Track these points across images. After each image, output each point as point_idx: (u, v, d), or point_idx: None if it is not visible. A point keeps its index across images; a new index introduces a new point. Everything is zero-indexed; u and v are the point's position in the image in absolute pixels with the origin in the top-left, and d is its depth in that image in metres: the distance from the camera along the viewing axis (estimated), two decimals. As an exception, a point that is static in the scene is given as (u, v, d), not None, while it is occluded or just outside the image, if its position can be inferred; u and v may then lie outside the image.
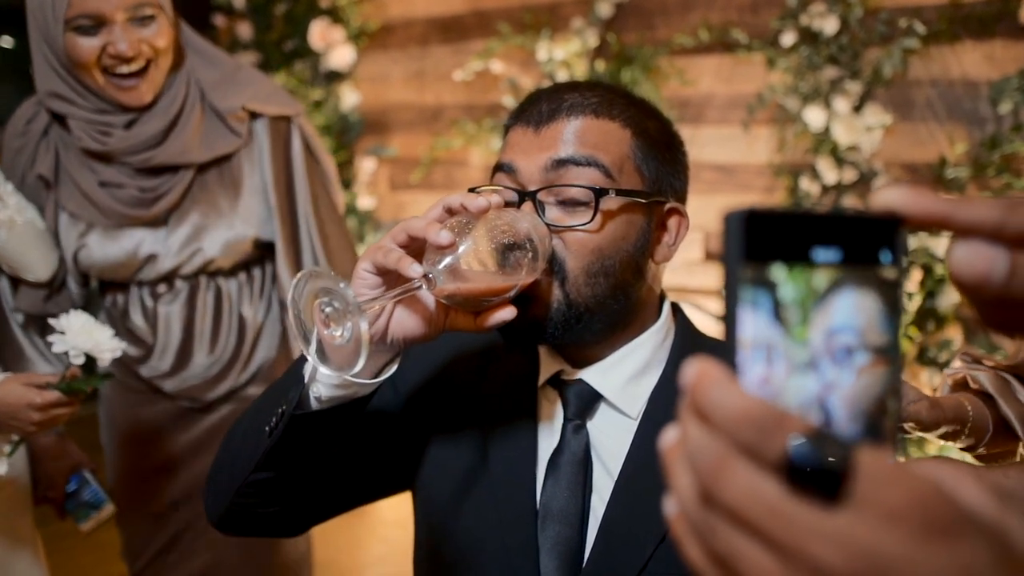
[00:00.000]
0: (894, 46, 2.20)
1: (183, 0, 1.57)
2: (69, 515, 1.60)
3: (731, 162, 2.52)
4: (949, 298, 2.12)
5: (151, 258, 1.55)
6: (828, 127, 2.31)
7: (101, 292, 1.66)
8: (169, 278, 1.59)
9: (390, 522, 2.99)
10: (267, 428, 0.81)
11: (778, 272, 0.33)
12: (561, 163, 0.82)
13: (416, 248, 0.74)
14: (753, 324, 0.33)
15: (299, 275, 0.68)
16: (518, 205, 0.82)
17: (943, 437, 1.06)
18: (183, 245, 1.56)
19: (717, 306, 2.49)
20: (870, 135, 2.27)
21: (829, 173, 2.32)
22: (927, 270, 2.14)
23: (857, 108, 2.29)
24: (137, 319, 1.60)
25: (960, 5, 2.11)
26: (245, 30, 3.38)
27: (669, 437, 0.35)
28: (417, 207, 3.27)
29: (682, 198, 0.91)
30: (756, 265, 0.33)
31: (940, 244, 2.10)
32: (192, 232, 1.56)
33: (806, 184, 2.37)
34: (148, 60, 1.43)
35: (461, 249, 0.71)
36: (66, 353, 1.33)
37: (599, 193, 0.80)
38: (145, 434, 1.68)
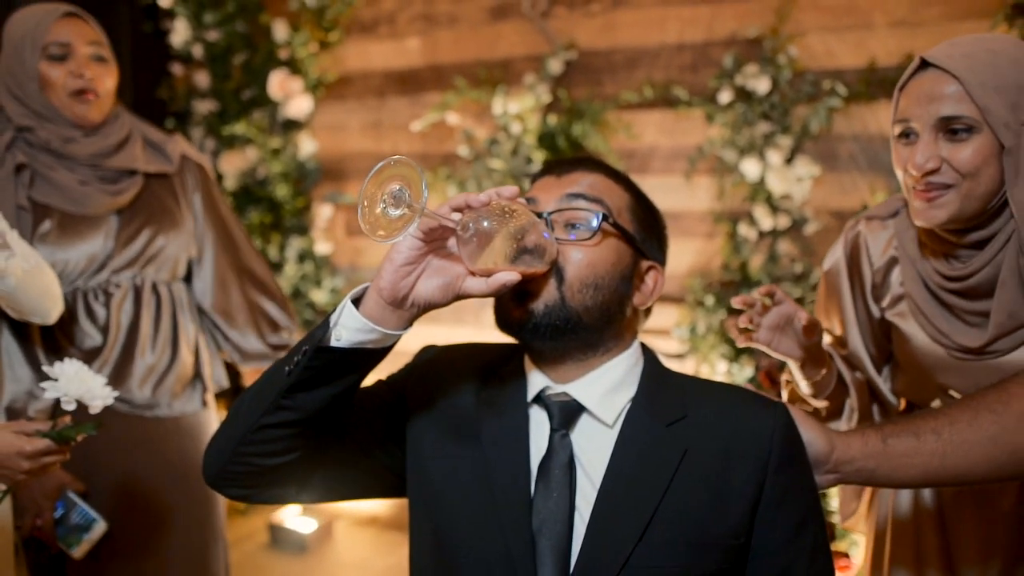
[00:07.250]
0: (820, 105, 2.42)
1: (140, 49, 1.71)
2: (59, 543, 1.55)
3: (674, 209, 2.70)
4: None
5: (104, 257, 1.74)
6: (763, 177, 2.51)
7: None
8: (118, 281, 1.77)
9: (348, 564, 3.00)
10: (287, 368, 0.91)
11: None
12: (574, 196, 1.02)
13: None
14: None
15: (396, 157, 0.83)
16: None
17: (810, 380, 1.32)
18: (131, 239, 1.77)
19: (666, 345, 2.64)
20: (800, 185, 2.48)
21: (765, 219, 2.51)
22: None
23: (788, 160, 2.50)
24: (86, 324, 1.73)
25: (875, 70, 2.35)
26: (203, 79, 3.43)
27: None
28: (373, 252, 3.36)
29: (661, 263, 1.10)
30: None
31: None
32: (139, 228, 1.79)
33: (744, 230, 2.56)
34: (96, 91, 1.76)
35: (491, 222, 0.86)
36: (57, 400, 1.30)
37: (601, 217, 0.99)
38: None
